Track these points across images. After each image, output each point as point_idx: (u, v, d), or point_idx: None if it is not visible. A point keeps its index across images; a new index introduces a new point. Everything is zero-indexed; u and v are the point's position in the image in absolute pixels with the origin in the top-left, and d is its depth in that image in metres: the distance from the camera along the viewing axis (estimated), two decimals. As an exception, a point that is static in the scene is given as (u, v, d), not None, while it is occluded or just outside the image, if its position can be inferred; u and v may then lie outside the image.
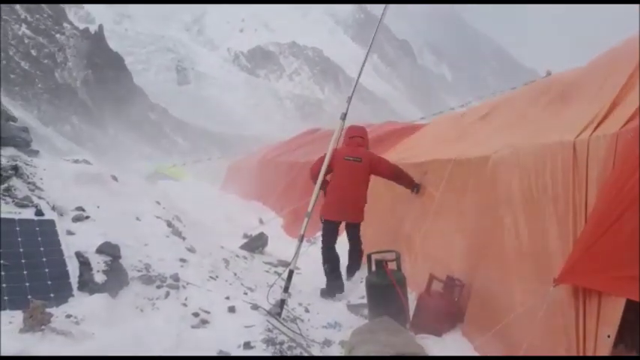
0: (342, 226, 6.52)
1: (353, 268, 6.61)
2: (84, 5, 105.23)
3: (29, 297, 3.67)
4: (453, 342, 4.39)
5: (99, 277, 4.15)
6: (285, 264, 6.57)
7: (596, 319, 2.99)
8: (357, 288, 5.91)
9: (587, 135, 3.47)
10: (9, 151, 5.74)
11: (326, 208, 6.30)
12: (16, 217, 4.45)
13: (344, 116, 5.43)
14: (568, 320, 3.18)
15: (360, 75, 5.72)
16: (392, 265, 4.96)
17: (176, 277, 4.79)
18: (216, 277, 5.45)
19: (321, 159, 6.03)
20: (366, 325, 4.34)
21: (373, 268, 5.03)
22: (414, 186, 6.31)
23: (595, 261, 2.97)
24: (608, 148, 3.21)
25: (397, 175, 6.34)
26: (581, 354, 3.06)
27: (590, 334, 3.01)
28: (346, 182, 6.18)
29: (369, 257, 5.11)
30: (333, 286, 6.14)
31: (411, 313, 4.81)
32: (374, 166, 6.28)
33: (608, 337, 2.85)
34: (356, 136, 6.42)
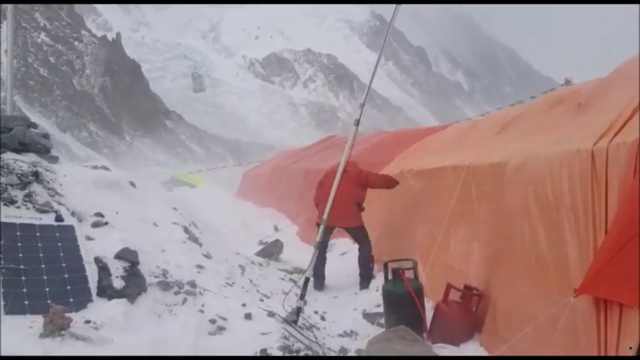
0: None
1: (366, 276, 6.71)
2: (102, 13, 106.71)
3: (49, 302, 3.70)
4: (471, 352, 4.34)
5: (117, 283, 4.18)
6: (301, 271, 6.58)
7: (617, 330, 2.94)
8: (373, 296, 5.89)
9: (605, 143, 3.43)
10: (30, 157, 5.82)
11: (319, 215, 6.70)
12: (37, 222, 4.50)
13: (357, 122, 5.43)
14: (588, 332, 3.14)
15: (372, 79, 5.71)
16: (409, 274, 4.93)
17: (193, 284, 4.81)
18: (233, 283, 5.47)
19: (320, 188, 7.15)
20: (382, 334, 4.32)
21: (390, 276, 5.01)
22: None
23: (616, 272, 2.93)
24: (628, 156, 3.15)
25: (387, 183, 6.98)
26: (601, 366, 3.02)
27: (611, 345, 2.96)
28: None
29: (385, 266, 5.09)
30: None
31: (428, 322, 4.78)
32: (363, 178, 6.92)
33: (630, 348, 2.81)
34: None
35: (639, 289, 2.75)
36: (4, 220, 4.27)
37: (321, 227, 5.37)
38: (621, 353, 2.88)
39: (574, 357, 3.15)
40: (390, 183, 6.97)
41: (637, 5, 74.30)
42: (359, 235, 7.02)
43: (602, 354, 3.03)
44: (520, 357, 3.70)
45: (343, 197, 6.33)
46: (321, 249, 6.89)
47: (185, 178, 20.93)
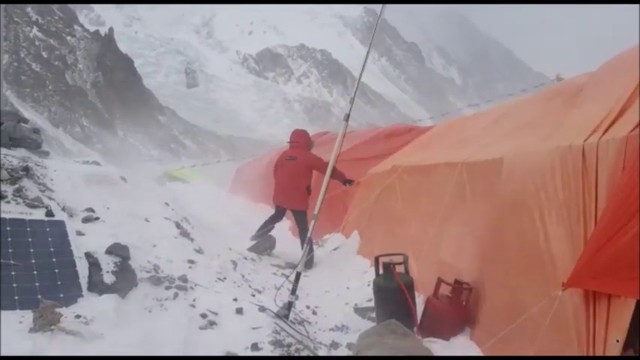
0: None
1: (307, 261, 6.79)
2: (94, 7, 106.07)
3: (39, 297, 3.70)
4: (461, 346, 4.37)
5: (108, 278, 4.17)
6: (293, 266, 6.58)
7: (605, 323, 2.97)
8: (364, 291, 5.90)
9: (595, 139, 3.46)
10: (20, 152, 5.79)
11: (273, 196, 8.21)
12: (27, 217, 4.49)
13: (347, 117, 5.43)
14: (577, 325, 3.17)
15: (361, 74, 5.70)
16: (400, 269, 4.94)
17: (184, 279, 4.80)
18: (224, 278, 5.47)
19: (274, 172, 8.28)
20: (373, 328, 4.33)
21: (381, 271, 5.02)
22: (345, 181, 7.90)
23: (604, 264, 2.95)
24: (618, 152, 3.20)
25: (335, 174, 7.16)
26: (589, 359, 3.05)
27: (599, 338, 2.99)
28: (285, 176, 7.98)
29: (376, 260, 5.10)
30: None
31: (419, 316, 4.79)
32: (311, 164, 7.83)
33: (617, 341, 2.84)
34: (294, 141, 8.14)
35: (626, 279, 2.78)
36: (-6, 215, 4.25)
37: (312, 222, 5.37)
38: (608, 346, 2.91)
39: (573, 357, 3.17)
40: (333, 173, 6.85)
41: (637, 5, 75.07)
42: (300, 217, 7.85)
43: (591, 347, 3.06)
44: (520, 357, 3.71)
45: (293, 183, 7.83)
46: (271, 221, 8.21)
47: (178, 173, 20.81)
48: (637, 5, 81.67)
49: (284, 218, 9.38)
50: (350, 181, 8.00)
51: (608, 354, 2.92)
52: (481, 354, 4.20)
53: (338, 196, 8.54)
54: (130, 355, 3.47)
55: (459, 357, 4.26)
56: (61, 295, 3.87)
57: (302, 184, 7.82)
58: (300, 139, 8.15)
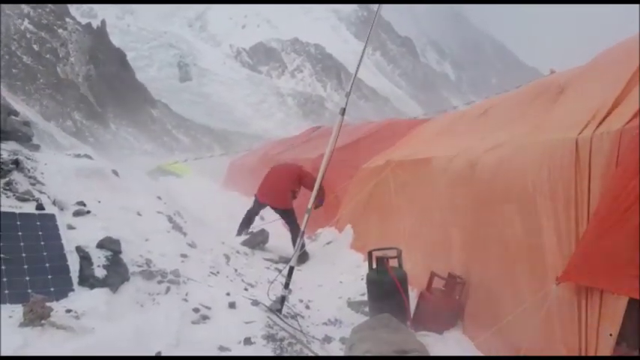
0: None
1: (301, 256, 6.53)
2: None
3: (29, 291, 3.65)
4: (454, 340, 4.37)
5: (99, 272, 4.13)
6: (286, 260, 6.56)
7: (597, 317, 2.97)
8: (357, 285, 5.89)
9: (589, 132, 3.43)
10: (10, 145, 5.72)
11: (257, 192, 8.37)
12: (17, 211, 4.43)
13: (343, 111, 5.39)
14: (570, 319, 3.17)
15: (357, 70, 5.66)
16: (393, 263, 4.94)
17: (177, 273, 4.78)
18: (217, 272, 5.45)
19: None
20: (366, 322, 4.32)
21: (374, 265, 5.01)
22: (319, 203, 7.14)
23: (598, 260, 2.95)
24: (612, 146, 3.18)
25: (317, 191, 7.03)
26: (582, 353, 3.05)
27: (592, 332, 2.99)
28: (274, 175, 8.29)
29: (370, 254, 5.09)
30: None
31: (412, 310, 4.79)
32: (301, 176, 8.02)
33: (610, 335, 2.84)
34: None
35: (620, 276, 2.77)
36: (-17, 208, 4.20)
37: (306, 216, 5.34)
38: (601, 340, 2.91)
39: (574, 357, 3.17)
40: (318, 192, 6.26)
41: (637, 5, 75.59)
42: (286, 216, 8.06)
43: (584, 340, 3.06)
44: (518, 357, 3.71)
45: (280, 183, 8.06)
46: (251, 215, 8.44)
47: (171, 167, 20.74)
48: (637, 5, 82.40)
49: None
50: (321, 204, 7.36)
51: (600, 348, 2.92)
52: (474, 348, 4.20)
53: (331, 191, 8.53)
54: (128, 356, 3.44)
55: (456, 357, 4.25)
56: (52, 290, 3.83)
57: (288, 187, 8.01)
58: (295, 174, 8.14)
